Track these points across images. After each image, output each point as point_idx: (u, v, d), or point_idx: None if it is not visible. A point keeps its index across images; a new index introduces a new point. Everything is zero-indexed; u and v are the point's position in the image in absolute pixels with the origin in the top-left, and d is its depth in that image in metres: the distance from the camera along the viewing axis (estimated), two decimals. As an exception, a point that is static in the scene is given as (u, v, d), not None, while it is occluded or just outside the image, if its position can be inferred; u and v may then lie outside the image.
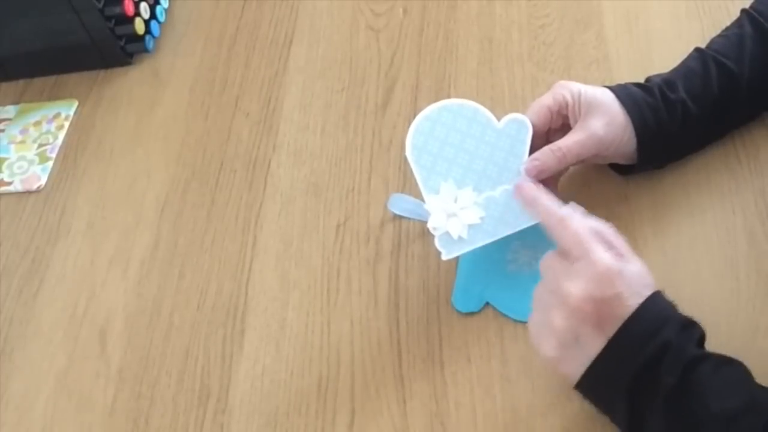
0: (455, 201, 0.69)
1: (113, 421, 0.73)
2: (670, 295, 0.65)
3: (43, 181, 0.93)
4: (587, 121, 0.69)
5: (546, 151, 0.69)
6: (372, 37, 0.96)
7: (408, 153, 0.71)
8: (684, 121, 0.71)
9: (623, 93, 0.71)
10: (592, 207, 0.74)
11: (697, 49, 0.74)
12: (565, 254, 0.61)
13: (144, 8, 1.01)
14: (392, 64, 0.92)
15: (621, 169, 0.75)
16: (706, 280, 0.69)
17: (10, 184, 0.93)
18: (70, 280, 0.83)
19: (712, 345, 0.59)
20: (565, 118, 0.72)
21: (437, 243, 0.69)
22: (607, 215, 0.73)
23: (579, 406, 0.64)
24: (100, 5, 0.96)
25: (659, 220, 0.73)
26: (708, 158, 0.75)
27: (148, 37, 1.01)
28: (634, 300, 0.58)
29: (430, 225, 0.70)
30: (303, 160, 0.87)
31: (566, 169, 0.73)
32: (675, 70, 0.74)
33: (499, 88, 0.86)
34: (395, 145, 0.85)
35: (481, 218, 0.69)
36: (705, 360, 0.57)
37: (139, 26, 0.99)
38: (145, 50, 1.01)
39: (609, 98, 0.70)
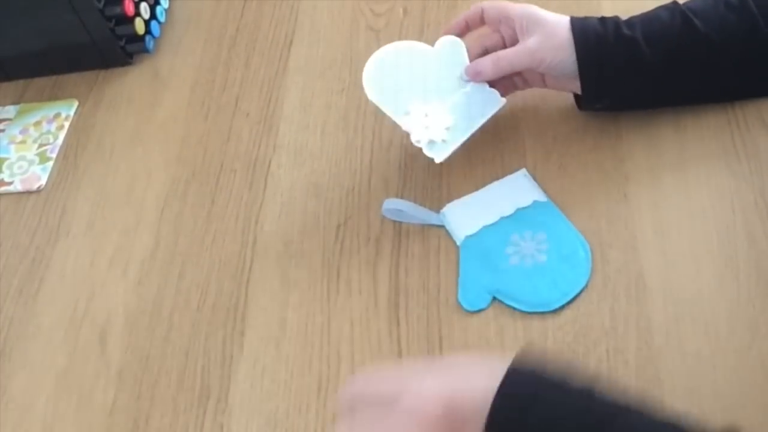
0: (426, 116, 0.77)
1: (113, 421, 0.73)
2: (671, 295, 0.65)
3: (43, 181, 0.93)
4: (526, 36, 0.76)
5: (484, 58, 0.78)
6: (372, 37, 0.96)
7: (370, 97, 0.79)
8: (633, 58, 0.73)
9: (578, 20, 0.75)
10: (592, 207, 0.75)
11: (674, 2, 0.76)
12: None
13: (144, 8, 1.01)
14: (392, 64, 0.92)
15: (580, 104, 0.79)
16: (706, 280, 0.68)
17: (10, 184, 0.93)
18: (70, 280, 0.83)
19: (712, 346, 0.59)
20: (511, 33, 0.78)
21: (426, 151, 0.76)
22: (607, 215, 0.74)
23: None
24: (100, 5, 0.96)
25: (659, 220, 0.73)
26: (708, 158, 0.75)
27: (148, 37, 1.01)
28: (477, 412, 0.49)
29: (413, 139, 0.77)
30: (303, 161, 0.87)
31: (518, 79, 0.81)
32: (642, 14, 0.76)
33: (499, 88, 0.86)
34: (395, 145, 0.85)
35: (453, 120, 0.77)
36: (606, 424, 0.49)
37: (140, 26, 0.99)
38: (145, 50, 1.01)
39: (558, 22, 0.75)
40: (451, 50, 0.80)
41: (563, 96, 0.81)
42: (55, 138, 0.97)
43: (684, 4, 0.75)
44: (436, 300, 0.73)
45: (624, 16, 0.87)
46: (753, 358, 0.62)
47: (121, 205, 0.88)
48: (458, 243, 0.75)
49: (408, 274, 0.75)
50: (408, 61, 0.80)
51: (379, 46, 0.94)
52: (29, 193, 0.92)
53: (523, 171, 0.78)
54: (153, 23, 1.02)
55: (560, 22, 0.75)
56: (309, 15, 1.01)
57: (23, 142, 0.97)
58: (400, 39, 0.94)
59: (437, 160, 0.76)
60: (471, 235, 0.75)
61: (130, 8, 0.98)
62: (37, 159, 0.95)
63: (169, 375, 0.74)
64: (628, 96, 0.77)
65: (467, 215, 0.76)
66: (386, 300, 0.74)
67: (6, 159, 0.96)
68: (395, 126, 0.86)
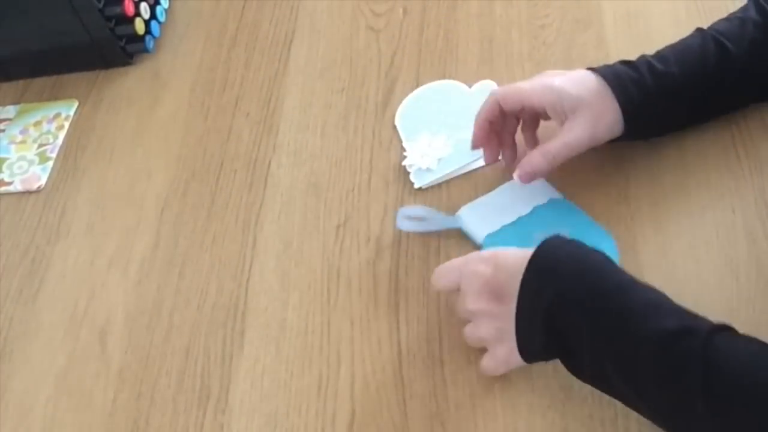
0: (429, 145, 0.81)
1: (113, 421, 0.73)
2: (671, 295, 0.65)
3: (43, 181, 0.93)
4: (574, 122, 0.70)
5: (536, 154, 0.71)
6: (372, 37, 0.96)
7: (396, 122, 0.83)
8: (671, 93, 0.71)
9: (610, 74, 0.71)
10: (592, 207, 0.75)
11: (698, 29, 0.75)
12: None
13: (144, 8, 1.01)
14: (392, 64, 0.92)
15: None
16: (706, 280, 0.69)
17: (10, 184, 0.93)
18: (70, 280, 0.83)
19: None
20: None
21: (411, 176, 0.80)
22: (607, 215, 0.74)
23: (579, 405, 0.64)
24: (100, 5, 0.96)
25: (659, 220, 0.73)
26: (708, 158, 0.75)
27: (148, 37, 1.01)
28: (519, 260, 0.62)
29: (405, 162, 0.81)
30: (303, 160, 0.87)
31: None
32: (671, 45, 0.74)
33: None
34: (395, 145, 0.85)
35: (450, 154, 0.80)
36: (630, 287, 0.59)
37: (140, 26, 0.99)
38: (146, 50, 1.01)
39: (592, 90, 0.70)
40: (484, 93, 0.78)
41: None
42: (55, 138, 0.97)
43: (711, 28, 0.74)
44: (436, 300, 0.73)
45: (624, 16, 0.88)
46: (753, 358, 0.62)
47: (121, 205, 0.88)
48: (479, 242, 0.74)
49: (408, 275, 0.75)
50: (443, 96, 0.84)
51: (379, 46, 0.95)
52: (29, 193, 0.92)
53: None
54: (153, 23, 1.02)
55: (592, 90, 0.70)
56: (309, 15, 1.01)
57: (23, 142, 0.97)
58: (399, 39, 0.95)
59: (416, 186, 0.80)
60: (492, 234, 0.74)
61: (130, 8, 0.98)
62: (37, 159, 0.95)
63: (169, 375, 0.74)
64: (669, 126, 0.75)
65: (484, 216, 0.75)
66: (386, 300, 0.74)
67: (6, 159, 0.96)
68: (395, 126, 0.86)
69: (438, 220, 0.77)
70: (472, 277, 0.65)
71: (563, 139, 0.70)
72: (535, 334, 0.61)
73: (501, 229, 0.74)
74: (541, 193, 0.76)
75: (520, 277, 0.61)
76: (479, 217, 0.76)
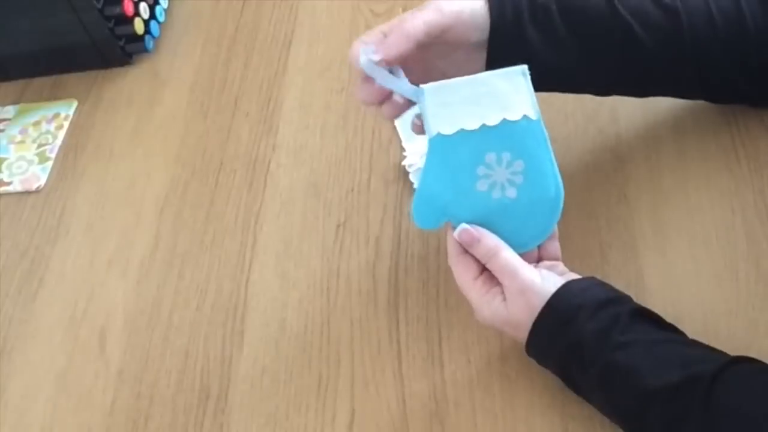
0: None
1: (113, 421, 0.73)
2: (671, 295, 0.65)
3: (42, 181, 0.92)
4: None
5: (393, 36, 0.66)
6: (371, 37, 0.96)
7: (395, 122, 0.80)
8: (546, 26, 0.68)
9: None
10: (591, 207, 0.75)
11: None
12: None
13: (143, 8, 1.01)
14: (392, 64, 0.92)
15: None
16: (706, 280, 0.69)
17: (9, 184, 0.93)
18: (69, 281, 0.83)
19: (711, 345, 0.59)
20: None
21: (411, 176, 0.79)
22: (607, 215, 0.74)
23: (579, 405, 0.64)
24: (100, 5, 0.96)
25: (659, 220, 0.73)
26: (708, 158, 0.75)
27: (147, 37, 1.01)
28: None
29: (405, 162, 0.80)
30: (303, 160, 0.87)
31: None
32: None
33: (498, 88, 0.86)
34: (395, 145, 0.85)
35: None
36: (632, 342, 0.59)
37: (139, 26, 0.99)
38: (145, 50, 1.01)
39: None
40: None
41: (563, 98, 0.81)
42: (55, 138, 0.97)
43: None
44: (435, 300, 0.73)
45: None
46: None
47: (120, 205, 0.88)
48: (428, 136, 0.66)
49: (408, 275, 0.75)
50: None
51: (378, 46, 0.95)
52: (28, 193, 0.92)
53: (524, 69, 0.66)
54: (152, 23, 1.02)
55: None
56: (309, 15, 1.01)
57: (22, 142, 0.97)
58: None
59: (415, 186, 0.79)
60: (444, 136, 0.65)
61: (129, 8, 0.98)
62: (36, 159, 0.95)
63: (168, 375, 0.74)
64: (542, 68, 0.67)
65: (448, 104, 0.66)
66: (386, 300, 0.74)
67: (5, 159, 0.96)
68: (394, 126, 0.86)
69: (398, 84, 0.67)
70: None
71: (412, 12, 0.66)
72: (548, 364, 0.64)
73: (456, 135, 0.65)
74: (520, 104, 0.66)
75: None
76: (443, 103, 0.66)
